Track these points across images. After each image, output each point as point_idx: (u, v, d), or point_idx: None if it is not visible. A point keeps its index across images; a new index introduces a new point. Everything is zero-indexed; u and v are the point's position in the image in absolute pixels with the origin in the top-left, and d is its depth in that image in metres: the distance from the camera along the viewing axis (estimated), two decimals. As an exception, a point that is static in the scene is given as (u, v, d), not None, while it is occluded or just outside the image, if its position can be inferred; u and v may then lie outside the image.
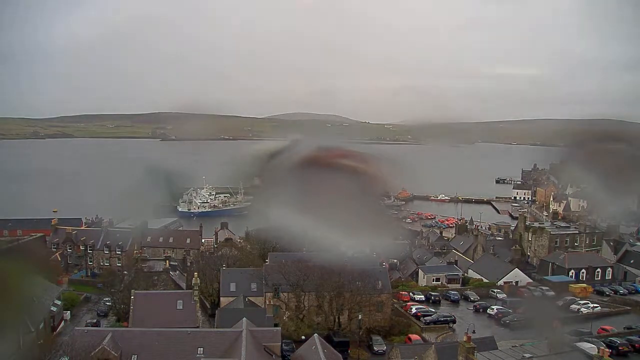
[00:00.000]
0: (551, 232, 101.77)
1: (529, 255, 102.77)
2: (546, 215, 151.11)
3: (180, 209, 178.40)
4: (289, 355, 45.21)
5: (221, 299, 59.91)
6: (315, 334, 44.75)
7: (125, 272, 73.47)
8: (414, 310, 64.84)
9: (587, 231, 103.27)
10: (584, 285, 78.07)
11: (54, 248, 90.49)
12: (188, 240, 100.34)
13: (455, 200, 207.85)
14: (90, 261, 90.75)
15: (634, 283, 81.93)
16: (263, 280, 60.78)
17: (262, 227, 78.58)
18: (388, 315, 61.09)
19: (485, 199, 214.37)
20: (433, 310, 66.36)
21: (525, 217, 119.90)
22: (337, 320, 58.51)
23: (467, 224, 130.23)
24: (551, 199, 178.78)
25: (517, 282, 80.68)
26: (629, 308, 66.98)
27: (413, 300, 71.06)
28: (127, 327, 49.25)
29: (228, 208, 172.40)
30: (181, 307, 51.48)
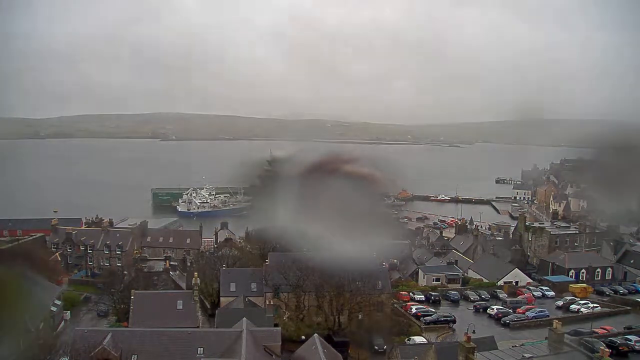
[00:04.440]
0: (551, 232, 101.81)
1: (529, 255, 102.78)
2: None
3: (180, 209, 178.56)
4: None
5: (221, 299, 59.93)
6: (315, 334, 44.75)
7: (125, 272, 73.49)
8: (414, 310, 64.86)
9: (587, 231, 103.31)
10: (584, 285, 78.10)
11: (54, 248, 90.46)
12: (188, 240, 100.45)
13: (455, 200, 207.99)
14: (90, 261, 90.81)
15: (634, 283, 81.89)
16: (263, 280, 60.77)
17: (262, 227, 78.58)
18: (388, 315, 61.06)
19: (485, 199, 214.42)
20: (433, 310, 66.37)
21: (525, 217, 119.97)
22: (337, 320, 58.48)
23: (467, 224, 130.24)
24: (551, 199, 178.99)
25: (517, 282, 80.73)
26: (629, 308, 66.94)
27: (413, 300, 71.07)
28: (127, 327, 49.26)
29: (228, 208, 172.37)
30: (181, 307, 51.50)
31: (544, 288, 77.38)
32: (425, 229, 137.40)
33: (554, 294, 75.53)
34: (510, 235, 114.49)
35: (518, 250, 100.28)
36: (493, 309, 66.17)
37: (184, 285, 67.10)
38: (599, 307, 67.27)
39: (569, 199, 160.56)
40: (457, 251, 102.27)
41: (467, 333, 42.87)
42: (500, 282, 79.62)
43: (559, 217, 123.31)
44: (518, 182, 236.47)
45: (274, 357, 41.84)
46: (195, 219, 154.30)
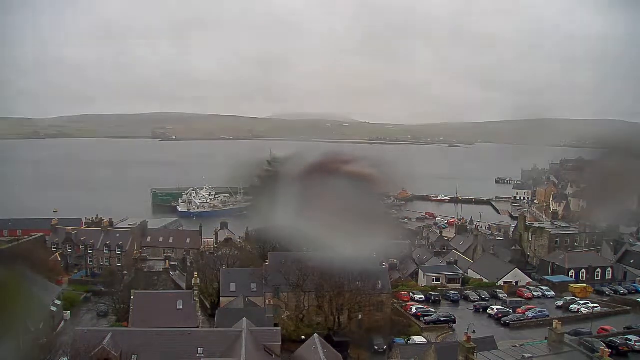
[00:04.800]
0: (551, 232, 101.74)
1: (529, 255, 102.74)
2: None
3: (180, 209, 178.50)
4: None
5: (221, 299, 59.90)
6: (315, 334, 44.78)
7: (125, 272, 73.46)
8: (414, 310, 64.87)
9: (587, 231, 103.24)
10: (584, 285, 78.09)
11: (54, 248, 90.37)
12: (188, 240, 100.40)
13: (455, 200, 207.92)
14: (90, 261, 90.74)
15: (634, 283, 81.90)
16: (263, 280, 60.76)
17: (262, 227, 78.61)
18: (388, 315, 61.07)
19: (485, 199, 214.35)
20: (433, 310, 66.38)
21: (525, 217, 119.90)
22: (337, 320, 58.49)
23: (467, 224, 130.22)
24: (551, 199, 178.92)
25: (517, 282, 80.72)
26: (629, 308, 66.95)
27: (413, 300, 71.09)
28: (127, 327, 49.25)
29: (228, 208, 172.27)
30: (181, 307, 51.48)
31: (543, 288, 77.40)
32: (425, 229, 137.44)
33: (554, 293, 75.55)
34: (510, 235, 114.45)
35: (518, 250, 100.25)
36: (493, 309, 66.17)
37: (184, 285, 67.04)
38: (599, 307, 67.27)
39: (569, 199, 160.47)
40: (457, 251, 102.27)
41: (467, 333, 42.88)
42: (500, 282, 79.61)
43: (559, 217, 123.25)
44: (518, 182, 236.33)
45: (274, 357, 41.86)
46: (195, 219, 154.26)
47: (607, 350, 39.50)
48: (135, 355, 39.84)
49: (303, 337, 50.21)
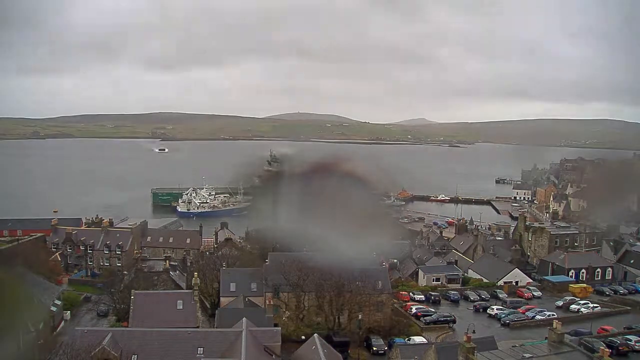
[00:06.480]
0: (551, 232, 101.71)
1: (529, 255, 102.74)
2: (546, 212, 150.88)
3: (179, 209, 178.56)
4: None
5: (221, 299, 59.89)
6: (315, 334, 44.72)
7: (125, 272, 73.43)
8: (414, 310, 64.88)
9: (587, 231, 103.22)
10: (584, 285, 78.08)
11: (54, 248, 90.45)
12: (188, 240, 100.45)
13: (455, 200, 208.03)
14: (90, 261, 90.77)
15: (634, 283, 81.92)
16: (263, 280, 60.73)
17: (262, 227, 78.65)
18: (388, 315, 61.04)
19: (485, 199, 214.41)
20: (433, 310, 66.37)
21: (525, 217, 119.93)
22: (337, 320, 58.47)
23: (467, 224, 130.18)
24: (551, 199, 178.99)
25: (517, 282, 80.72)
26: (629, 308, 66.95)
27: (413, 300, 71.09)
28: (127, 327, 49.23)
29: (228, 208, 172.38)
30: (181, 307, 51.45)
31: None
32: (425, 229, 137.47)
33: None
34: (510, 235, 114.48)
35: (518, 250, 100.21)
36: (493, 309, 66.17)
37: (184, 285, 67.04)
38: (599, 307, 67.27)
39: (569, 199, 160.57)
40: (457, 251, 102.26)
41: (467, 333, 42.86)
42: (500, 282, 79.62)
43: (559, 217, 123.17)
44: (518, 182, 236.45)
45: (274, 357, 41.84)
46: (195, 219, 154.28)
47: (607, 350, 39.50)
48: (135, 355, 39.79)
49: (303, 337, 50.19)
